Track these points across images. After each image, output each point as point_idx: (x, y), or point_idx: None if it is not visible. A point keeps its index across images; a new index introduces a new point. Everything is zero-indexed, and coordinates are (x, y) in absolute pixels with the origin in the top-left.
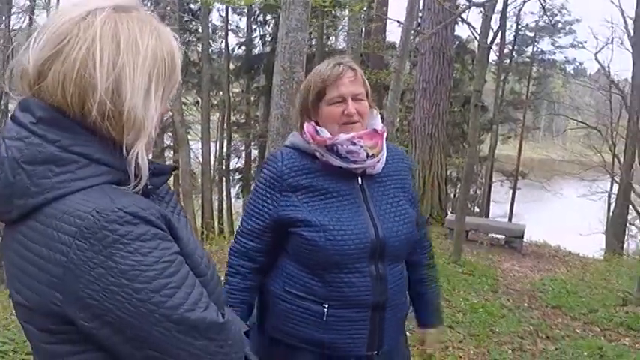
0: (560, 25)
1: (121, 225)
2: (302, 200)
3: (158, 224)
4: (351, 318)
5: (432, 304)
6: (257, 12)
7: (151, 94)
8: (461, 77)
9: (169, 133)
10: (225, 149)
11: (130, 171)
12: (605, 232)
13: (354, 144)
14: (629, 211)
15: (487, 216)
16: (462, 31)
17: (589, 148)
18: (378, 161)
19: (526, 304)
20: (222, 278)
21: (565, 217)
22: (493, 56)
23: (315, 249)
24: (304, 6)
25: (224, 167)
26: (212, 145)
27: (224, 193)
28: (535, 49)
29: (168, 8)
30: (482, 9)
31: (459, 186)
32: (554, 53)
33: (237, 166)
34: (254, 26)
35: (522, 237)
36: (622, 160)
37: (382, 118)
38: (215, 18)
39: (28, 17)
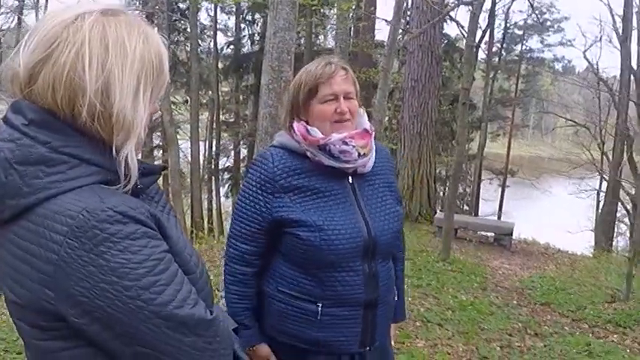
0: (548, 23)
1: (110, 224)
2: (295, 201)
3: (147, 223)
4: (345, 316)
5: (402, 300)
6: (245, 11)
7: (139, 95)
8: (450, 75)
9: (158, 133)
10: (214, 148)
11: (120, 171)
12: (594, 229)
13: (346, 144)
14: (618, 209)
15: (476, 214)
16: (450, 29)
17: (578, 145)
18: (368, 160)
19: (515, 302)
20: (213, 278)
21: (554, 215)
22: (482, 54)
23: (310, 249)
24: (292, 5)
25: (213, 166)
26: (201, 144)
27: (213, 192)
28: (524, 47)
29: (157, 7)
30: (470, 7)
31: (448, 184)
32: (543, 51)
33: (226, 165)
34: (243, 25)
35: (511, 235)
36: (611, 157)
37: (370, 116)
38: (203, 17)
39: (16, 17)
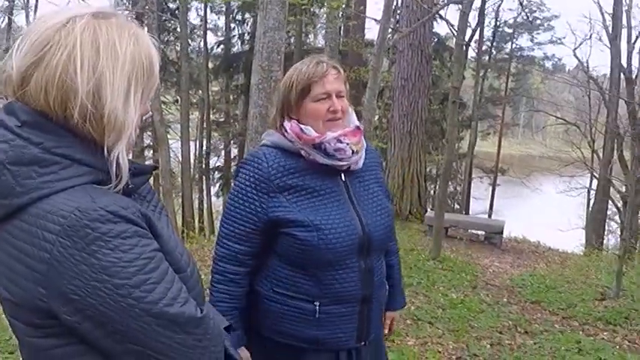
0: (538, 21)
1: (102, 223)
2: (290, 200)
3: (138, 222)
4: (342, 313)
5: (398, 288)
6: (235, 10)
7: (130, 96)
8: (440, 74)
9: (149, 133)
10: (204, 148)
11: (111, 171)
12: (584, 227)
13: (340, 141)
14: (609, 207)
15: (467, 212)
16: (440, 28)
17: (568, 144)
18: (360, 157)
19: (505, 300)
20: (203, 277)
21: (545, 213)
22: (472, 53)
23: (308, 249)
24: (281, 5)
25: (204, 166)
26: (192, 143)
27: (204, 192)
28: (514, 45)
29: (147, 7)
30: (459, 6)
31: (438, 183)
32: (533, 49)
33: (216, 165)
34: (233, 25)
35: (502, 233)
36: (601, 155)
37: (360, 115)
38: (193, 17)
39: (6, 18)
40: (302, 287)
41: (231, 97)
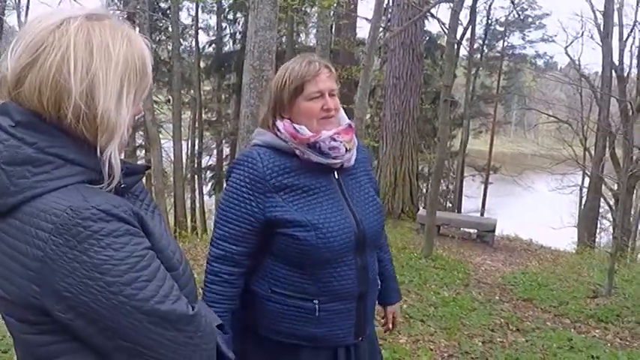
0: (530, 19)
1: (94, 222)
2: (286, 200)
3: (130, 221)
4: (340, 310)
5: (393, 282)
6: (227, 10)
7: (123, 97)
8: (431, 73)
9: (141, 132)
10: (196, 147)
11: (104, 170)
12: (577, 225)
13: (334, 140)
14: (601, 205)
15: (459, 211)
16: (432, 26)
17: (560, 142)
18: (352, 155)
19: (497, 298)
20: (196, 276)
21: (537, 211)
22: (463, 51)
23: (306, 248)
24: (272, 5)
25: (196, 165)
26: (184, 143)
27: (196, 191)
28: (505, 43)
29: (138, 7)
30: (451, 4)
31: (430, 181)
32: (525, 47)
33: (209, 164)
34: (224, 24)
35: (494, 231)
36: (593, 153)
37: (352, 114)
38: (184, 17)
39: None
40: (300, 286)
41: (222, 97)
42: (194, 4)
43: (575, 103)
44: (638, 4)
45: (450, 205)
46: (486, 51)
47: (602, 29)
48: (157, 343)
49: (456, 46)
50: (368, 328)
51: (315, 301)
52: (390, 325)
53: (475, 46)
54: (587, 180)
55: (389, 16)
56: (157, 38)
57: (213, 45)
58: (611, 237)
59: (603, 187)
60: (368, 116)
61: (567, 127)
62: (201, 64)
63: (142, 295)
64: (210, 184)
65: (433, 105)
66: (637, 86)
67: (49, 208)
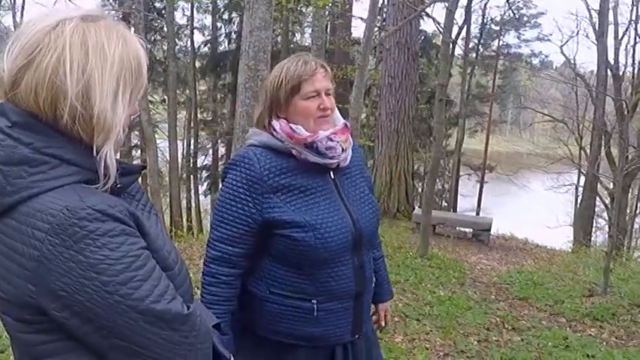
0: (525, 18)
1: (90, 222)
2: (284, 200)
3: (125, 221)
4: (338, 309)
5: (385, 280)
6: (222, 10)
7: (119, 97)
8: (427, 72)
9: (136, 132)
10: (192, 147)
11: (100, 170)
12: (572, 224)
13: (331, 140)
14: (597, 203)
15: (455, 210)
16: (427, 25)
17: (556, 141)
18: (347, 154)
19: (493, 297)
20: (192, 276)
21: (532, 210)
22: (459, 50)
23: (305, 249)
24: (267, 5)
25: (191, 165)
26: (179, 143)
27: (192, 191)
28: (501, 42)
29: (133, 7)
30: (446, 4)
31: (426, 180)
32: (520, 46)
33: (204, 164)
34: (219, 24)
35: (489, 230)
36: (589, 152)
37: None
38: (179, 16)
39: None
40: (298, 286)
41: (218, 96)
42: (189, 4)
43: (570, 102)
44: (633, 3)
45: (446, 204)
46: (482, 50)
47: (597, 28)
48: (152, 343)
49: (451, 46)
50: (364, 325)
51: (314, 301)
52: (382, 323)
53: (470, 45)
54: (582, 179)
55: (384, 15)
56: (153, 38)
57: (209, 45)
58: (606, 236)
59: (599, 185)
60: (363, 115)
61: (563, 126)
62: (197, 64)
63: (138, 294)
64: (205, 184)
65: (429, 104)
66: (632, 85)
67: (45, 208)
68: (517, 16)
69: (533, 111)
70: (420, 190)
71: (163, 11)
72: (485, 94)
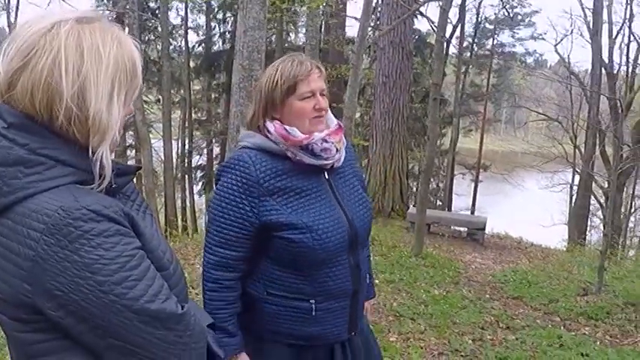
0: (519, 17)
1: (85, 222)
2: (280, 203)
3: (120, 221)
4: (336, 308)
5: (370, 279)
6: (216, 9)
7: (114, 98)
8: (421, 71)
9: (131, 132)
10: (186, 147)
11: (95, 171)
12: (567, 223)
13: (326, 141)
14: (591, 202)
15: (449, 209)
16: (421, 24)
17: (550, 139)
18: (341, 154)
19: (487, 296)
20: (187, 275)
21: (527, 209)
22: (453, 49)
23: (303, 250)
24: (261, 5)
25: (186, 164)
26: (174, 142)
27: (187, 191)
28: (495, 41)
29: (127, 7)
30: (440, 2)
31: (420, 179)
32: (515, 45)
33: (199, 164)
34: (213, 24)
35: (484, 229)
36: (583, 151)
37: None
38: (173, 16)
39: None
40: (296, 287)
41: (212, 96)
42: (183, 4)
43: (565, 101)
44: (627, 2)
45: (440, 203)
46: (476, 49)
47: (591, 27)
48: (147, 342)
49: (445, 45)
50: (359, 322)
51: (312, 301)
52: (370, 317)
53: (465, 44)
54: (577, 178)
55: (378, 14)
56: (147, 38)
57: (203, 44)
58: (601, 234)
59: (593, 184)
60: (358, 115)
61: (557, 125)
62: (191, 64)
63: (132, 294)
64: (200, 184)
65: (423, 103)
66: (626, 83)
67: (40, 209)
68: (511, 15)
69: (527, 110)
70: (414, 189)
71: (157, 11)
72: (480, 93)
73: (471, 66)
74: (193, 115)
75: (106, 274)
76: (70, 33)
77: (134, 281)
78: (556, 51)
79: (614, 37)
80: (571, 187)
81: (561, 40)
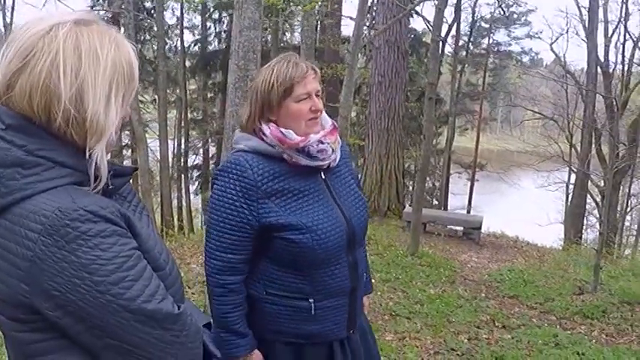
0: (515, 16)
1: (82, 222)
2: (279, 205)
3: (117, 222)
4: (334, 306)
5: (367, 275)
6: (212, 9)
7: (111, 100)
8: (417, 70)
9: (127, 132)
10: (182, 146)
11: (90, 172)
12: (563, 222)
13: (322, 143)
14: (587, 201)
15: (445, 208)
16: (416, 24)
17: (546, 138)
18: (337, 154)
19: (483, 295)
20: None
21: (523, 208)
22: (449, 48)
23: (303, 251)
24: (257, 5)
25: (182, 164)
26: (170, 142)
27: (183, 190)
28: (491, 40)
29: (123, 7)
30: (435, 2)
31: (416, 178)
32: (510, 44)
33: (195, 163)
34: (209, 23)
35: (480, 228)
36: (579, 150)
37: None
38: (169, 16)
39: None
40: (295, 286)
41: (208, 95)
42: (179, 4)
43: (560, 100)
44: (622, 1)
45: (436, 202)
46: (472, 48)
47: (587, 26)
48: (143, 342)
49: (440, 44)
50: (358, 320)
51: (311, 300)
52: (366, 311)
53: (460, 43)
54: (573, 177)
55: (373, 14)
56: (142, 38)
57: (199, 44)
58: (597, 233)
59: (589, 183)
60: (353, 114)
61: (553, 124)
62: (187, 64)
63: (129, 294)
64: (196, 183)
65: (419, 102)
66: (622, 82)
67: (38, 210)
68: (507, 14)
69: (523, 109)
70: (410, 188)
71: (153, 11)
72: (476, 92)
73: (466, 65)
74: (189, 114)
75: (103, 275)
76: (69, 35)
77: (131, 281)
78: (552, 50)
79: (609, 35)
80: (567, 186)
81: (557, 38)
